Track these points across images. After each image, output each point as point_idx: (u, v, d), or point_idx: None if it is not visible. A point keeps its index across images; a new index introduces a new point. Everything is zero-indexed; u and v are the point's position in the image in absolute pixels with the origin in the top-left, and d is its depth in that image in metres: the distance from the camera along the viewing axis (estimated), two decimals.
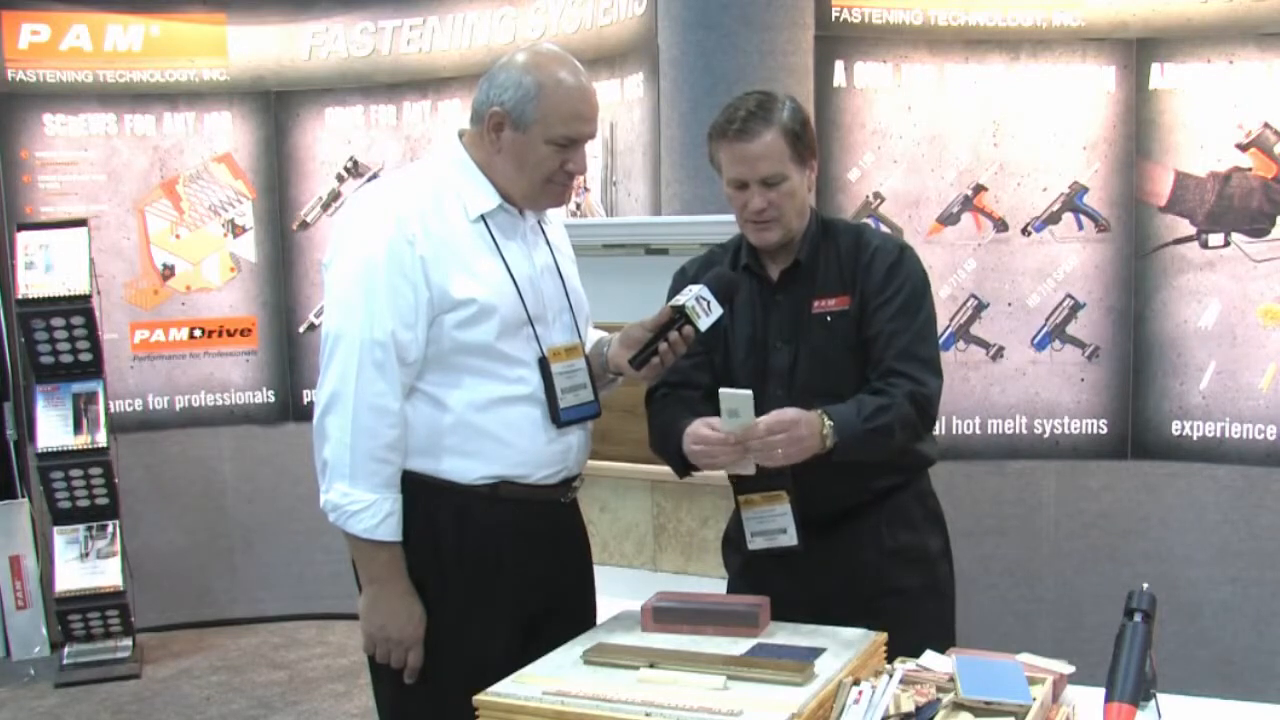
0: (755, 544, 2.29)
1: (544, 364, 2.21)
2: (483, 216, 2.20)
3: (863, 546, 2.32)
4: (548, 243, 2.34)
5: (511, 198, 2.23)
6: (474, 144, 2.25)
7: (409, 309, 2.11)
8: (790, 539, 2.26)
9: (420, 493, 2.16)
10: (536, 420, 2.21)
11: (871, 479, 2.32)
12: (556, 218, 2.45)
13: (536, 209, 2.30)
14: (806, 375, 2.29)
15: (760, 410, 2.14)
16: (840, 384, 2.26)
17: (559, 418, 2.21)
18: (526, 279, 2.22)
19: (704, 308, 2.18)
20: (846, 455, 2.14)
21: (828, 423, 2.13)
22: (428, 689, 2.18)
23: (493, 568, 2.18)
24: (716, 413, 2.16)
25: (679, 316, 2.18)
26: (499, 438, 2.17)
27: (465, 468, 2.17)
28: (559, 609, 2.27)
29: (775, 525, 2.27)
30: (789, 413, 2.10)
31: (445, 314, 2.13)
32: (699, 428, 2.16)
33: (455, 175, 2.22)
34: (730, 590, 2.46)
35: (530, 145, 2.17)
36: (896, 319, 2.27)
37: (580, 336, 2.33)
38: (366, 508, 2.11)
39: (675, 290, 2.37)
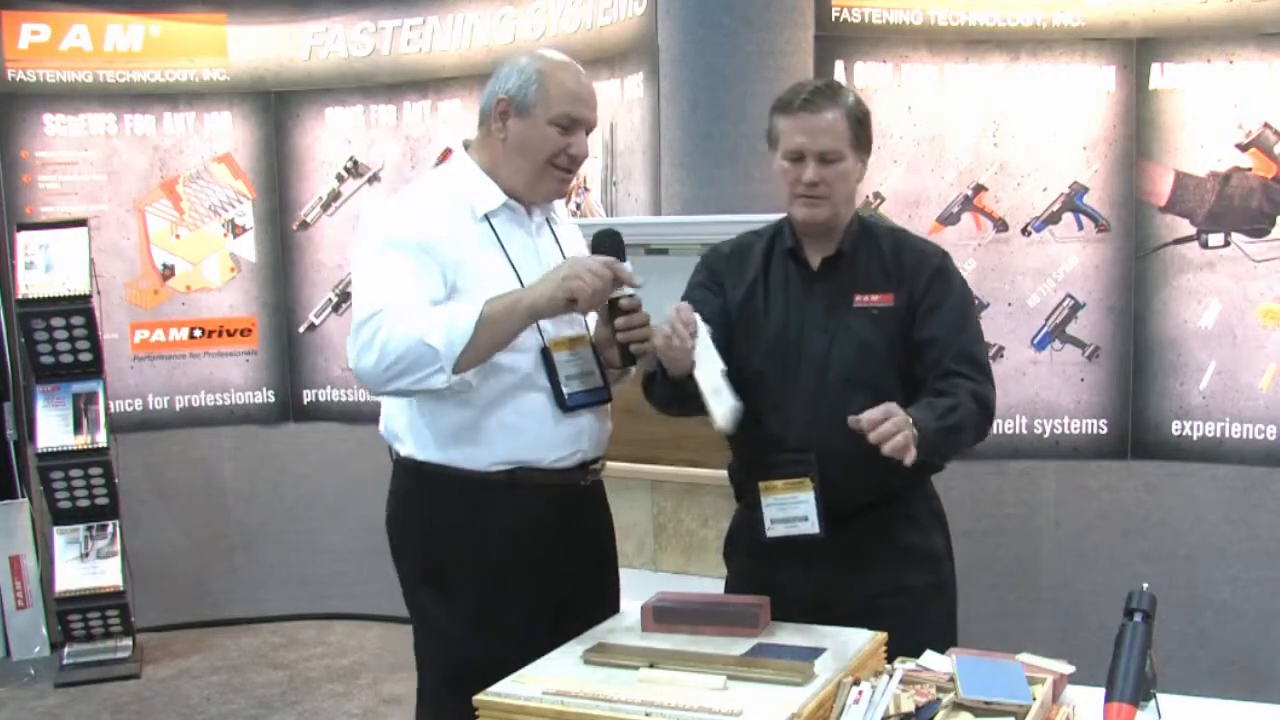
0: (774, 531, 2.27)
1: (546, 354, 2.26)
2: (487, 216, 2.26)
3: (873, 543, 2.32)
4: (557, 241, 2.39)
5: (516, 190, 2.29)
6: (479, 147, 2.34)
7: (434, 280, 2.17)
8: (812, 526, 2.24)
9: (437, 484, 2.22)
10: (544, 405, 2.26)
11: (890, 476, 2.31)
12: (566, 217, 2.50)
13: (540, 197, 2.34)
14: (846, 365, 2.27)
15: (791, 402, 2.24)
16: (879, 376, 2.26)
17: (565, 403, 2.26)
18: (531, 273, 2.26)
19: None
20: (925, 455, 2.08)
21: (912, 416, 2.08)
22: (450, 672, 2.20)
23: (513, 555, 2.23)
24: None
25: (613, 307, 2.22)
26: (509, 424, 2.23)
27: (478, 456, 2.22)
28: (580, 595, 2.31)
29: (797, 513, 2.25)
30: (880, 408, 2.03)
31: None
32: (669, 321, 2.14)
33: (461, 180, 2.31)
34: (729, 589, 2.45)
35: (534, 127, 2.25)
36: (950, 324, 2.29)
37: (586, 329, 2.37)
38: (449, 320, 2.11)
39: (702, 270, 2.40)
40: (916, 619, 2.18)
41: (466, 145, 2.37)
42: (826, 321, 2.30)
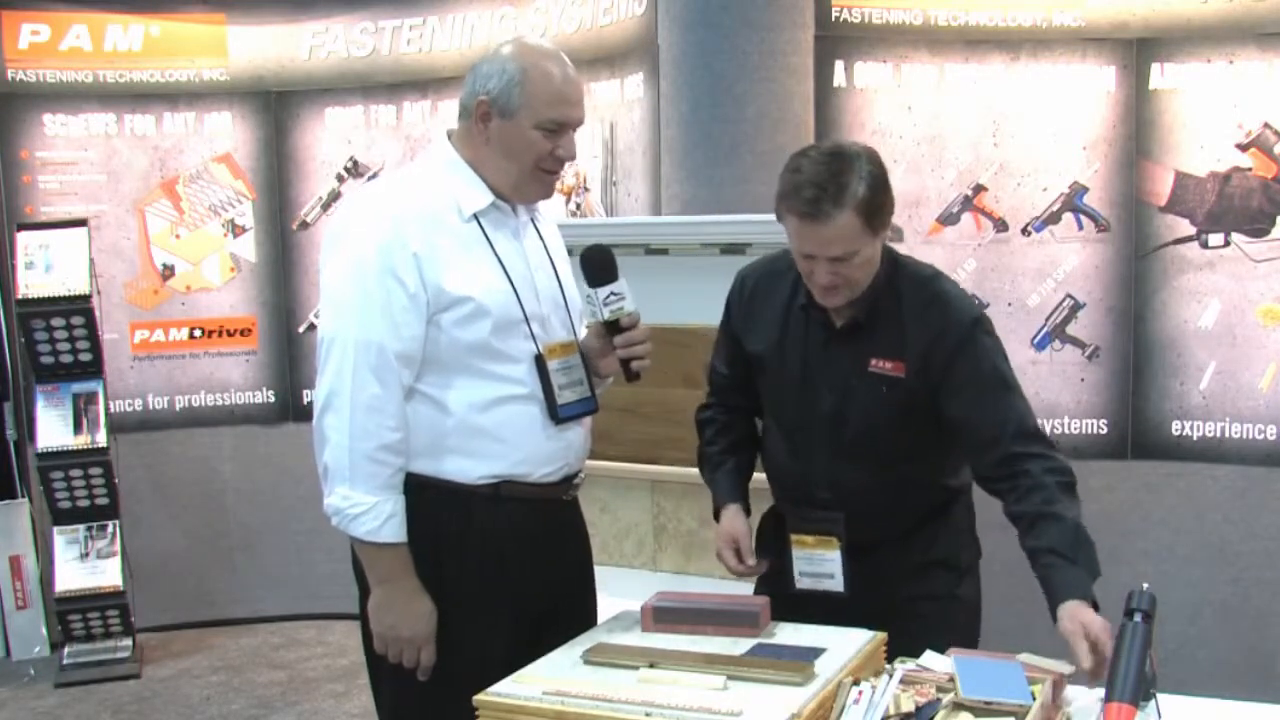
0: (803, 584, 2.30)
1: (540, 361, 2.20)
2: (475, 216, 2.19)
3: (892, 562, 2.33)
4: (541, 239, 2.33)
5: (503, 191, 2.22)
6: (463, 141, 2.24)
7: (403, 310, 2.10)
8: (837, 585, 2.27)
9: (422, 494, 2.16)
10: (535, 418, 2.20)
11: (913, 512, 2.34)
12: (549, 214, 2.44)
13: (527, 199, 2.28)
14: (854, 433, 2.26)
15: (812, 456, 2.29)
16: (887, 448, 2.25)
17: (557, 414, 2.21)
18: (521, 276, 2.21)
19: (617, 300, 2.21)
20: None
21: (1086, 598, 2.00)
22: (429, 690, 2.18)
23: (495, 568, 2.18)
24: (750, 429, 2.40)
25: (612, 326, 2.22)
26: (499, 437, 2.17)
27: (467, 468, 2.16)
28: (561, 609, 2.27)
29: (823, 570, 2.28)
30: (1094, 629, 1.92)
31: (442, 313, 2.13)
32: (728, 553, 2.31)
33: (447, 175, 2.22)
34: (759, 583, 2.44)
35: (519, 132, 2.16)
36: (993, 402, 2.17)
37: (575, 333, 2.33)
38: (367, 510, 2.10)
39: (736, 294, 2.40)
40: (934, 629, 2.17)
41: (450, 134, 2.27)
42: (840, 384, 2.25)
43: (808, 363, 2.27)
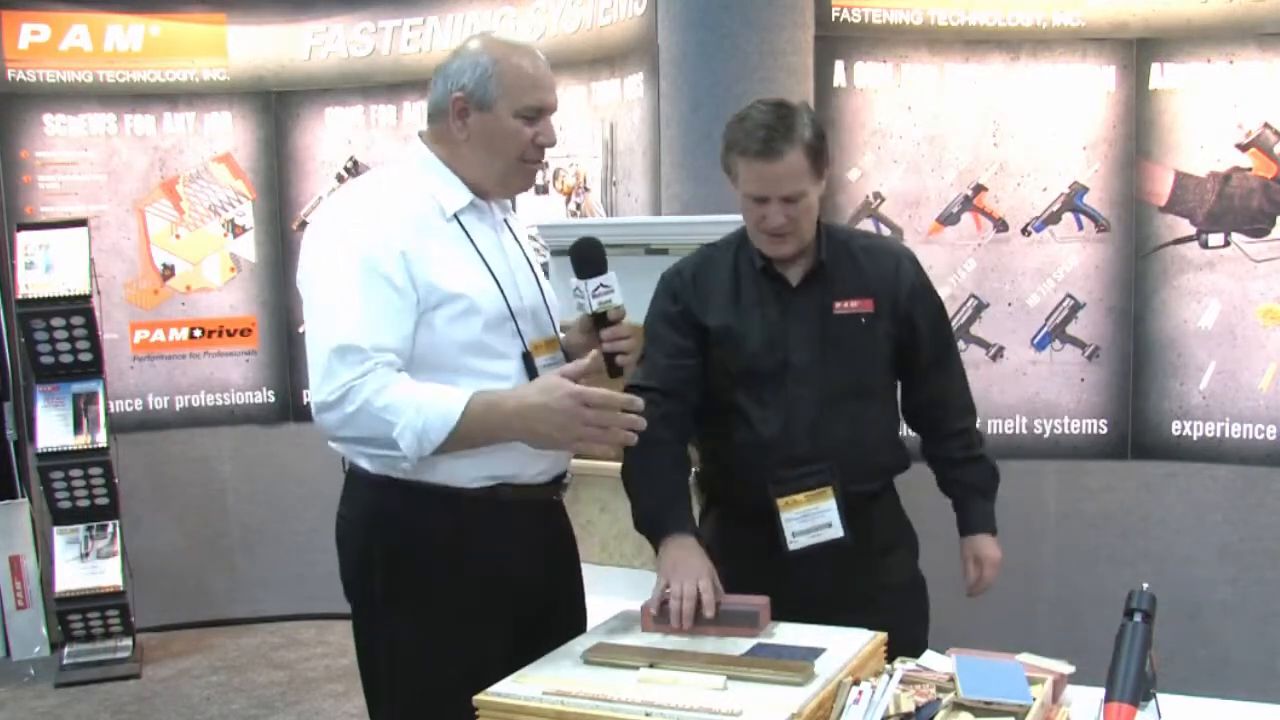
0: (798, 543, 2.31)
1: (528, 358, 2.19)
2: (456, 215, 2.17)
3: (862, 538, 2.35)
4: (516, 239, 2.33)
5: (483, 187, 2.21)
6: (437, 141, 2.22)
7: (392, 309, 2.07)
8: (836, 531, 2.30)
9: (416, 498, 2.13)
10: None
11: (881, 467, 2.42)
12: (521, 211, 2.42)
13: (512, 191, 2.29)
14: (838, 376, 2.31)
15: (790, 418, 2.29)
16: (871, 381, 2.36)
17: None
18: (505, 274, 2.20)
19: (606, 293, 2.19)
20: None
21: (989, 532, 2.52)
22: (425, 693, 2.16)
23: (491, 570, 2.17)
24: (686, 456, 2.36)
25: (599, 319, 2.20)
26: None
27: (460, 471, 2.13)
28: (553, 609, 2.27)
29: (821, 521, 2.30)
30: (987, 558, 2.50)
31: (434, 310, 2.10)
32: (703, 587, 2.07)
33: (425, 176, 2.20)
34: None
35: (499, 122, 2.16)
36: (947, 342, 2.51)
37: (555, 330, 2.33)
38: (411, 437, 2.02)
39: (665, 298, 2.41)
40: (896, 615, 2.23)
41: (422, 135, 2.25)
42: (810, 333, 2.32)
43: (769, 322, 2.33)
